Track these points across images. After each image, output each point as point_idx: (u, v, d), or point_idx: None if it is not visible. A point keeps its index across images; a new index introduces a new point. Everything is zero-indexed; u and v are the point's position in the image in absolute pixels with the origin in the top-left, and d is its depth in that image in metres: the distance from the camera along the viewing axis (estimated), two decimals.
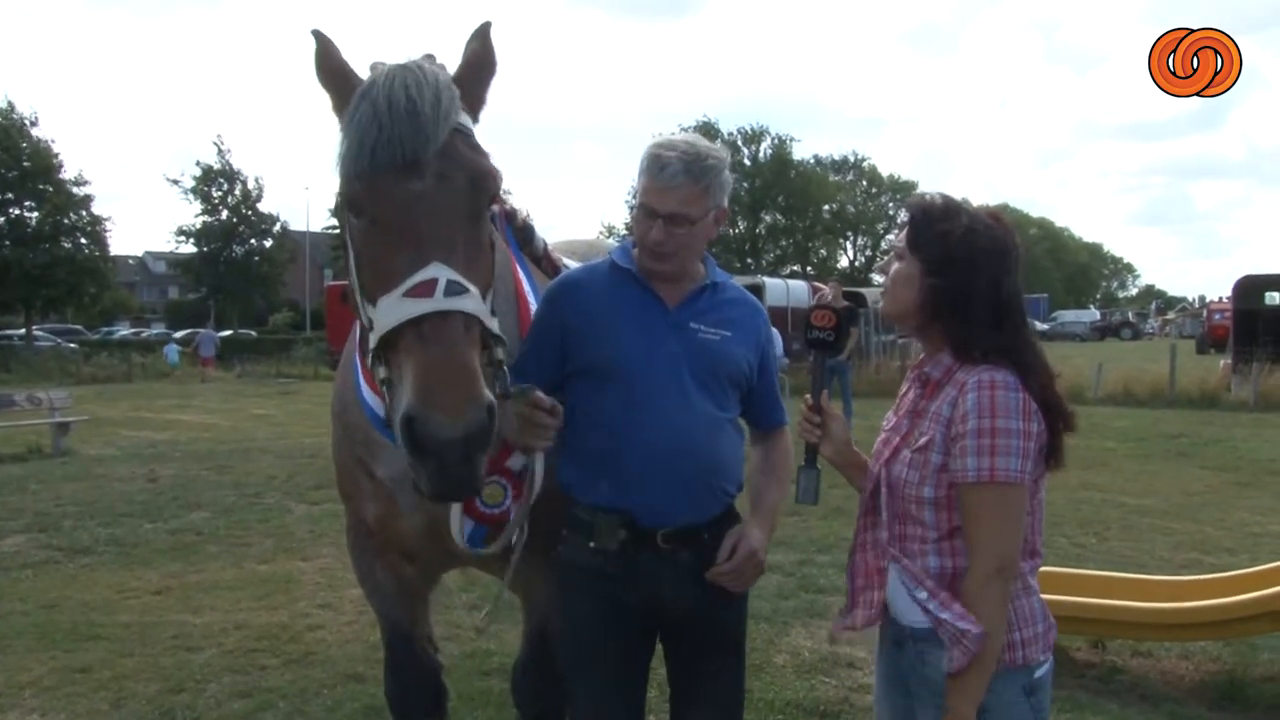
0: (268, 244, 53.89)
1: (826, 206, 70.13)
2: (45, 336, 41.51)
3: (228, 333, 46.56)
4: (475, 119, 2.21)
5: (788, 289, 25.05)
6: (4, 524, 8.50)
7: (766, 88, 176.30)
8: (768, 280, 25.89)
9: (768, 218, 67.41)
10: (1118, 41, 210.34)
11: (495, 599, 2.43)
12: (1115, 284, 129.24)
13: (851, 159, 74.13)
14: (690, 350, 2.39)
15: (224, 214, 51.50)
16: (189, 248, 52.44)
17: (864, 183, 75.20)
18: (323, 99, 2.22)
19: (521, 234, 2.95)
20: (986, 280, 2.06)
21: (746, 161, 63.94)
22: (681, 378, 2.36)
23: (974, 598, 1.99)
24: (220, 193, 51.43)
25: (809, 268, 65.08)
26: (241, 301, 54.45)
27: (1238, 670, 4.68)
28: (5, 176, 37.85)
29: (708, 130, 56.49)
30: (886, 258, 2.28)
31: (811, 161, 70.45)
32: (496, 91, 2.27)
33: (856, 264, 73.34)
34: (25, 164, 38.13)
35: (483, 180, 2.10)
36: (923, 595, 2.08)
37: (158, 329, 59.12)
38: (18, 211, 38.76)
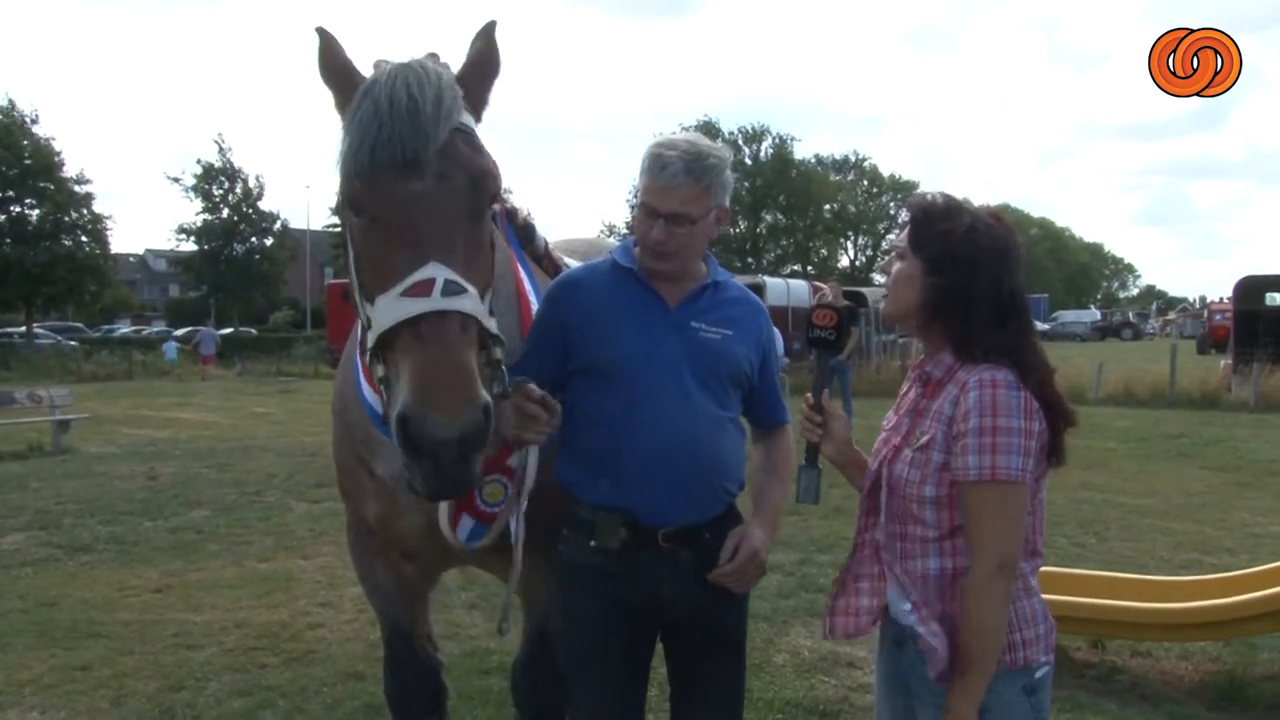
0: (268, 242, 53.93)
1: (827, 206, 70.12)
2: (46, 334, 41.53)
3: (228, 331, 46.59)
4: (478, 118, 2.21)
5: (788, 288, 25.06)
6: (4, 521, 8.50)
7: (767, 87, 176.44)
8: (768, 280, 25.90)
9: (768, 217, 67.41)
10: (1118, 41, 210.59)
11: (505, 603, 2.43)
12: (1116, 284, 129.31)
13: (852, 158, 74.21)
14: (691, 349, 2.39)
15: (225, 212, 51.52)
16: (190, 246, 52.50)
17: (865, 182, 75.18)
18: (325, 97, 2.22)
19: (522, 233, 2.95)
20: (988, 279, 2.06)
21: (747, 161, 63.94)
22: (683, 377, 2.36)
23: (975, 597, 1.99)
24: (221, 191, 51.45)
25: (810, 267, 65.07)
26: (242, 300, 54.47)
27: (1237, 670, 4.68)
28: (6, 174, 37.89)
29: (708, 130, 56.49)
30: (888, 258, 2.28)
31: (812, 161, 70.53)
32: (498, 91, 2.27)
33: (857, 263, 73.33)
34: (26, 162, 38.17)
35: (483, 180, 2.09)
36: (906, 606, 2.12)
37: (158, 327, 59.18)
38: (19, 209, 38.81)
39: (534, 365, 2.41)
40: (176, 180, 51.05)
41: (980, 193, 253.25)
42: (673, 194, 2.30)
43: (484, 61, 2.24)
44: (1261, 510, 8.73)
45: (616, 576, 2.38)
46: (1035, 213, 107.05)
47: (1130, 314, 73.57)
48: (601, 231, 54.63)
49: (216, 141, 63.24)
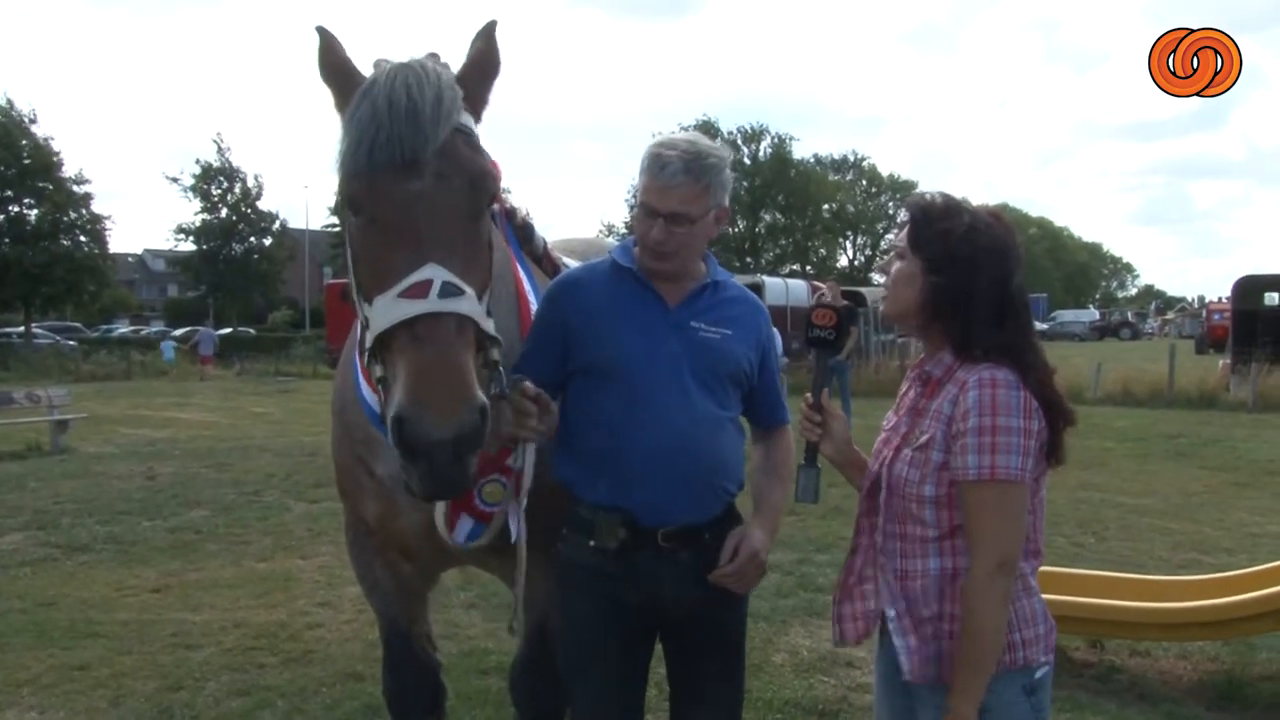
0: (267, 242, 53.86)
1: (826, 206, 70.14)
2: (44, 334, 41.51)
3: (227, 331, 46.57)
4: (478, 118, 2.21)
5: (787, 288, 25.05)
6: (2, 521, 8.50)
7: (766, 87, 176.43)
8: (767, 279, 25.90)
9: (767, 217, 67.42)
10: (1118, 41, 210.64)
11: (514, 601, 2.42)
12: (1114, 284, 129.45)
13: (851, 158, 74.25)
14: (691, 349, 2.39)
15: (223, 212, 51.45)
16: (188, 246, 52.41)
17: (864, 182, 75.22)
18: (324, 96, 2.22)
19: (521, 232, 2.95)
20: (988, 279, 2.07)
21: (746, 160, 63.92)
22: (682, 376, 2.36)
23: (975, 596, 1.99)
24: (220, 191, 51.38)
25: (808, 267, 65.08)
26: (241, 299, 54.42)
27: (1236, 670, 4.69)
28: (5, 174, 37.85)
29: (708, 129, 56.47)
30: (887, 257, 2.28)
31: (811, 160, 70.55)
32: (497, 90, 2.27)
33: (856, 263, 73.36)
34: (25, 161, 38.13)
35: (482, 181, 2.09)
36: (891, 614, 2.13)
37: (157, 327, 59.14)
38: (17, 209, 38.77)
39: (534, 365, 2.40)
40: (175, 180, 51.02)
41: (979, 192, 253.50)
42: (672, 193, 2.29)
43: (484, 61, 2.24)
44: (1260, 510, 8.74)
45: (616, 576, 2.38)
46: (1034, 212, 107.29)
47: (1129, 314, 73.66)
48: (600, 231, 54.62)
49: (215, 141, 63.05)
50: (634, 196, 2.56)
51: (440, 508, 2.36)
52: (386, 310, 1.94)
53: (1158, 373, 19.21)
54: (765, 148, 66.63)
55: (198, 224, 51.12)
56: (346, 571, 5.00)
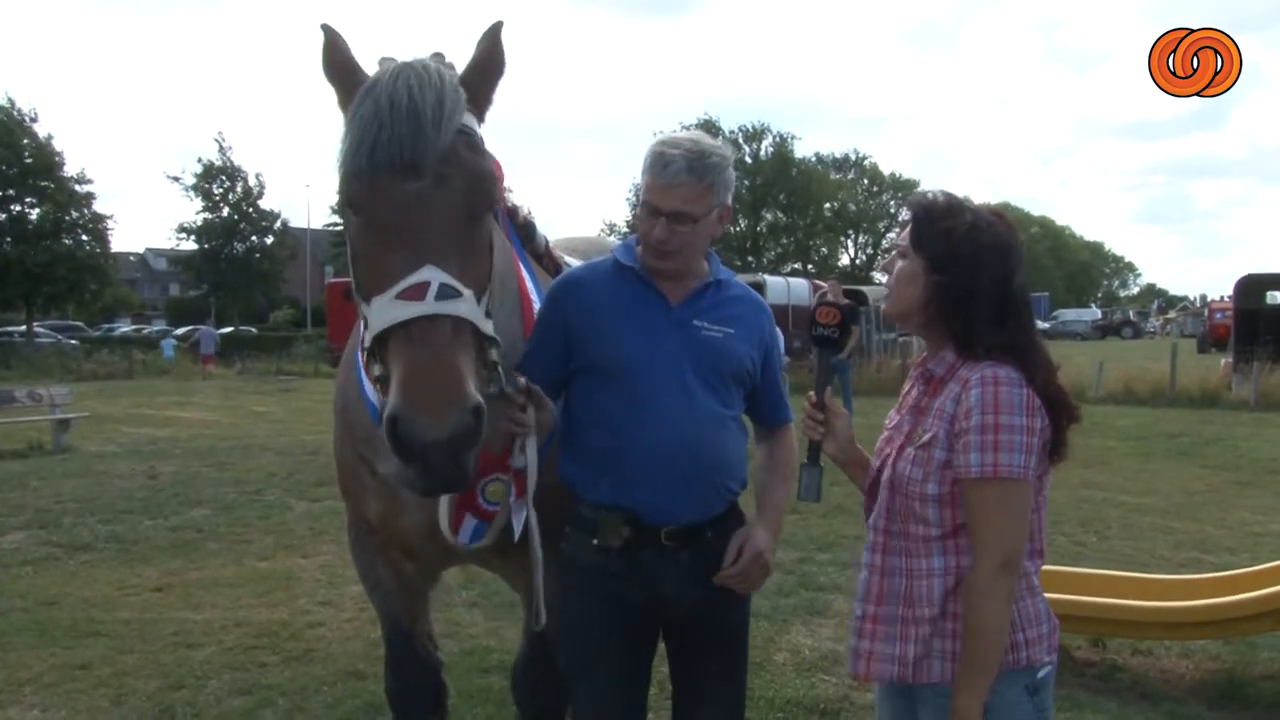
0: (269, 241, 53.95)
1: (827, 204, 70.18)
2: (46, 333, 41.48)
3: (228, 330, 46.59)
4: (481, 119, 2.21)
5: (788, 287, 25.04)
6: (4, 520, 8.50)
7: (767, 86, 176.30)
8: (769, 278, 25.86)
9: (769, 216, 67.47)
10: (1118, 40, 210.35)
11: (535, 596, 2.41)
12: (1116, 283, 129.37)
13: (852, 157, 74.27)
14: (693, 348, 2.39)
15: (225, 211, 51.54)
16: (190, 245, 52.53)
17: (865, 181, 75.21)
18: (325, 95, 2.22)
19: (523, 231, 2.96)
20: (990, 277, 2.07)
21: (748, 159, 63.96)
22: (685, 375, 2.36)
23: (978, 595, 1.99)
24: (221, 189, 51.47)
25: (810, 266, 65.09)
26: (242, 298, 54.50)
27: (1237, 669, 4.68)
28: (7, 173, 37.86)
29: (709, 128, 56.37)
30: (889, 256, 2.28)
31: (812, 159, 70.62)
32: (500, 89, 2.27)
33: (858, 262, 73.35)
34: (27, 161, 38.14)
35: (482, 182, 2.09)
36: (859, 612, 2.17)
37: (159, 325, 59.14)
38: (19, 208, 38.78)
39: (536, 364, 2.41)
40: (177, 179, 51.20)
41: (981, 191, 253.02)
42: (675, 192, 2.29)
43: (489, 62, 2.24)
44: (1262, 509, 8.73)
45: (618, 575, 2.38)
46: (1035, 211, 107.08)
47: (1131, 313, 73.56)
48: (602, 230, 54.61)
49: (217, 140, 63.35)
50: (636, 195, 2.57)
51: (444, 508, 2.36)
52: (384, 311, 1.95)
53: (1159, 372, 19.19)
54: (767, 147, 66.73)
55: (199, 223, 51.26)
56: (348, 570, 5.01)
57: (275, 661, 5.02)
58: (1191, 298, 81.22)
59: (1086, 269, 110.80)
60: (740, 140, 64.40)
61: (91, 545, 7.56)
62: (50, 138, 39.53)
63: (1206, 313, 44.42)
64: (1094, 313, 69.69)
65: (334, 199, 2.33)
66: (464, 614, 5.66)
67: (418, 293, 1.93)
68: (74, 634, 5.43)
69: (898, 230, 2.26)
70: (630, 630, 2.44)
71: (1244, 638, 4.83)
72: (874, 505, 2.22)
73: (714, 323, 2.42)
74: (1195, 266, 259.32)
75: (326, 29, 2.20)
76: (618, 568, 2.38)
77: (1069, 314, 65.46)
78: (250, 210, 52.03)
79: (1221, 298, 41.71)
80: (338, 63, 2.19)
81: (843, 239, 74.35)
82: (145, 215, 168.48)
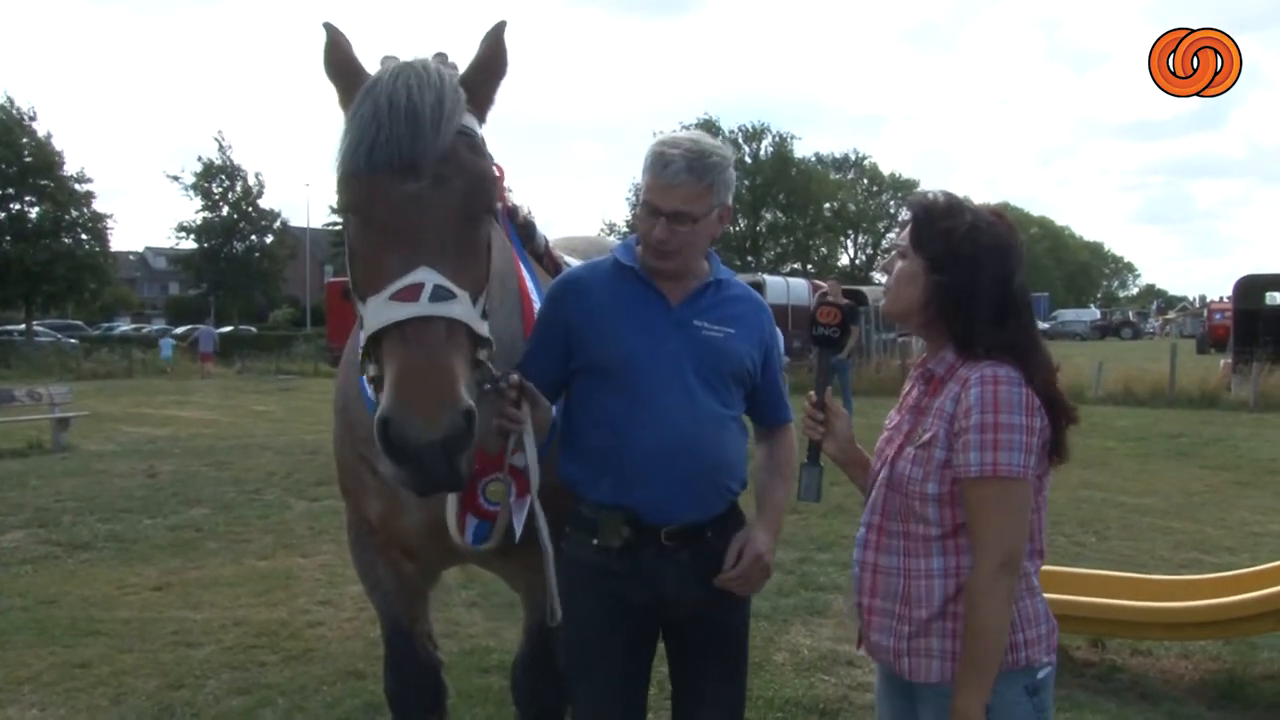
0: (268, 240, 53.94)
1: (827, 204, 70.16)
2: (45, 332, 41.46)
3: (228, 329, 46.59)
4: (483, 119, 2.21)
5: (788, 287, 25.03)
6: (4, 519, 8.50)
7: (767, 85, 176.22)
8: (768, 278, 25.86)
9: (768, 215, 67.44)
10: (1118, 41, 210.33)
11: (549, 592, 2.41)
12: (1116, 283, 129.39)
13: (852, 157, 74.25)
14: (694, 348, 2.38)
15: (225, 210, 51.52)
16: (190, 244, 52.51)
17: (865, 181, 75.20)
18: (325, 93, 2.22)
19: (523, 231, 2.96)
20: (990, 277, 2.07)
21: (747, 159, 63.93)
22: (685, 375, 2.36)
23: (979, 594, 1.99)
24: (221, 189, 51.46)
25: (809, 266, 65.09)
26: (242, 298, 54.49)
27: (1237, 669, 4.68)
28: (6, 172, 37.87)
29: (709, 128, 56.41)
30: (889, 256, 2.28)
31: (812, 159, 70.60)
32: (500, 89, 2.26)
33: (857, 262, 73.36)
34: (27, 160, 38.14)
35: (480, 183, 2.09)
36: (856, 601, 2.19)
37: (158, 325, 59.13)
38: (19, 207, 38.78)
39: (536, 364, 2.41)
40: (176, 178, 51.20)
41: (980, 191, 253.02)
42: (675, 192, 2.29)
43: (491, 62, 2.24)
44: (1261, 509, 8.73)
45: (619, 575, 2.38)
46: (1035, 211, 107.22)
47: (1130, 313, 73.60)
48: (602, 230, 54.63)
49: (216, 139, 63.28)
50: (636, 195, 2.57)
51: (451, 509, 2.36)
52: (378, 311, 1.96)
53: (1159, 372, 19.20)
54: (766, 146, 66.69)
55: (199, 222, 51.23)
56: (348, 570, 5.01)
57: (275, 661, 5.02)
58: (1191, 298, 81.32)
59: (1086, 269, 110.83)
60: (740, 140, 64.39)
61: (91, 544, 7.56)
62: (50, 136, 39.64)
63: (1206, 313, 44.43)
64: (1093, 313, 69.73)
65: (333, 198, 2.33)
66: (464, 614, 5.66)
67: (412, 294, 1.93)
68: (73, 633, 5.43)
69: (898, 230, 2.26)
70: (631, 630, 2.44)
71: (1244, 638, 4.83)
72: (875, 505, 2.22)
73: (714, 322, 2.42)
74: (1195, 267, 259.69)
75: (329, 28, 2.20)
76: (618, 567, 2.38)
77: (1068, 314, 65.51)
78: (250, 209, 52.02)
79: (1221, 298, 41.72)
80: (339, 62, 2.19)
81: (842, 239, 74.35)
82: (145, 214, 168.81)
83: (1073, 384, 16.71)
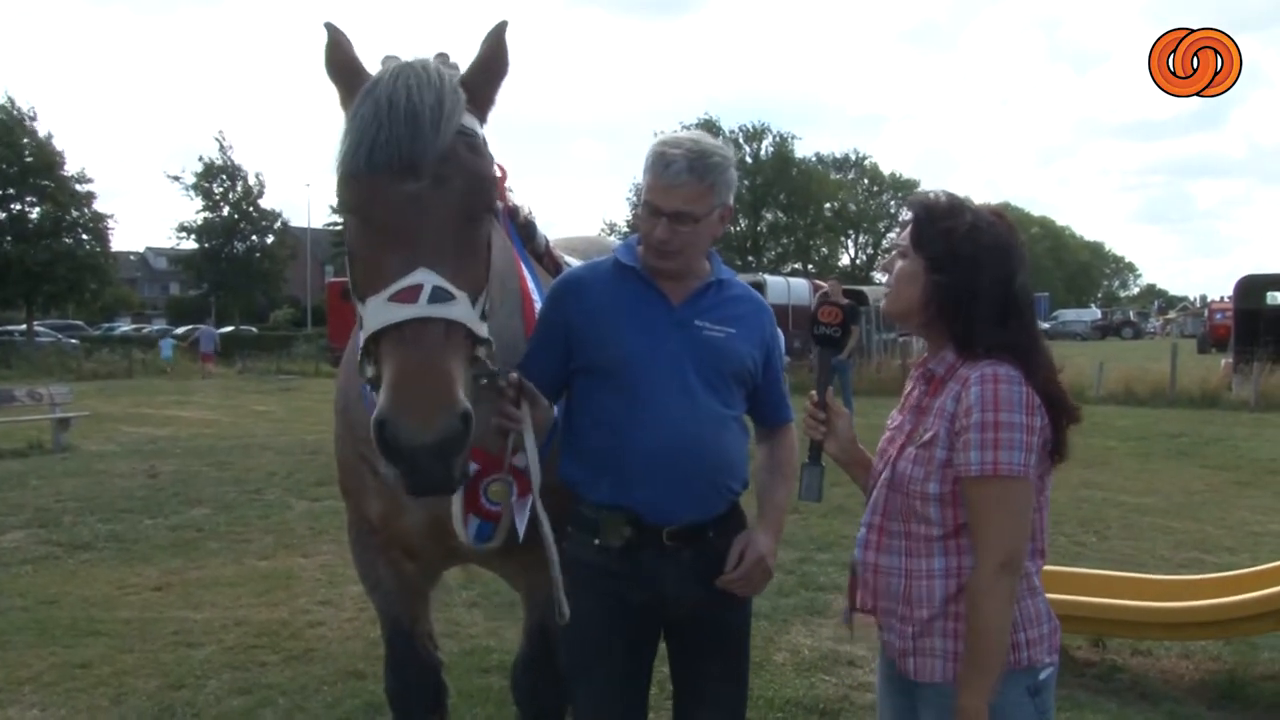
0: (269, 240, 53.97)
1: (828, 204, 70.17)
2: (46, 332, 41.48)
3: (229, 329, 46.58)
4: (484, 119, 2.20)
5: (789, 287, 25.06)
6: (4, 519, 8.50)
7: (767, 85, 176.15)
8: (769, 278, 25.89)
9: (769, 215, 67.43)
10: (1118, 41, 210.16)
11: (555, 591, 2.41)
12: (1116, 283, 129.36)
13: (853, 157, 74.27)
14: (695, 348, 2.38)
15: (225, 210, 51.55)
16: (190, 244, 52.54)
17: (865, 180, 75.21)
18: (326, 94, 2.22)
19: (523, 231, 2.95)
20: (990, 278, 2.07)
21: (748, 159, 63.94)
22: (686, 375, 2.36)
23: (980, 594, 1.99)
24: (221, 189, 51.50)
25: (810, 266, 65.08)
26: (242, 298, 54.51)
27: (1238, 669, 4.68)
28: (7, 172, 37.88)
29: (709, 128, 56.34)
30: (890, 256, 2.28)
31: (813, 159, 70.61)
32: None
33: (858, 262, 73.36)
34: (27, 160, 38.15)
35: (480, 184, 2.09)
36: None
37: (159, 325, 59.14)
38: (19, 207, 38.80)
39: (537, 364, 2.41)
40: (177, 178, 51.25)
41: (981, 191, 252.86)
42: (676, 192, 2.29)
43: (492, 62, 2.23)
44: (1262, 509, 8.73)
45: (619, 575, 2.38)
46: (1036, 211, 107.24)
47: (1131, 313, 73.59)
48: (602, 230, 54.63)
49: (217, 139, 63.21)
50: (636, 195, 2.57)
51: (456, 509, 2.36)
52: (377, 312, 1.95)
53: (1160, 372, 19.21)
54: (767, 146, 66.71)
55: (199, 222, 51.27)
56: (348, 570, 5.01)
57: (275, 661, 5.02)
58: (1191, 298, 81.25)
59: (1086, 269, 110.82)
60: (740, 140, 64.39)
61: (91, 544, 7.56)
62: (50, 137, 39.65)
63: (1206, 313, 44.43)
64: (1094, 313, 69.74)
65: (334, 199, 2.33)
66: (464, 614, 5.66)
67: (410, 295, 1.92)
68: (74, 633, 5.43)
69: (898, 230, 2.26)
70: (631, 630, 2.44)
71: (1244, 638, 4.83)
72: (876, 504, 2.22)
73: (715, 322, 2.42)
74: (1195, 266, 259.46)
75: (330, 28, 2.20)
76: (619, 567, 2.38)
77: (1069, 314, 65.54)
78: (250, 209, 52.05)
79: (1221, 298, 41.72)
80: (340, 62, 2.19)
81: (843, 239, 74.35)
82: (145, 214, 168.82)
83: (1073, 384, 16.70)
